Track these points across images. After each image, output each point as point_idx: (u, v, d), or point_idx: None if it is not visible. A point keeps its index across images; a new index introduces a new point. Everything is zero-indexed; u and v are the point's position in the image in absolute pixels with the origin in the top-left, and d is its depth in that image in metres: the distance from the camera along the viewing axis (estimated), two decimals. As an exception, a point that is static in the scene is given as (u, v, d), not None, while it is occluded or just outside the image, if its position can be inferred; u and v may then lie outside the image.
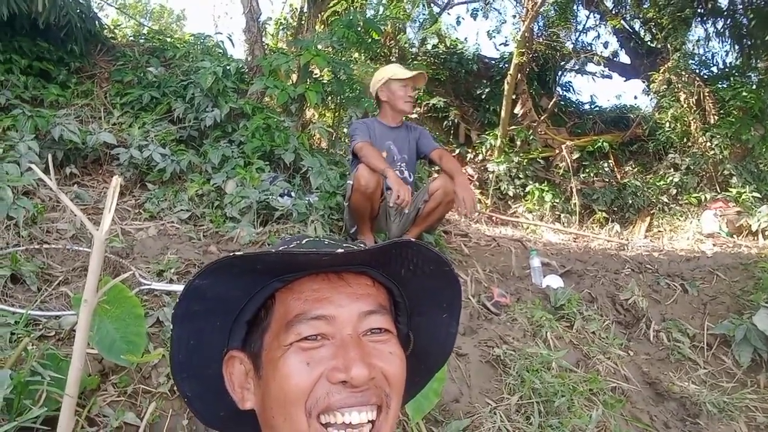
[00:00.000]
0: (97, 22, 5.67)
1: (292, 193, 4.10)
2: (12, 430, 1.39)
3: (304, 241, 0.79)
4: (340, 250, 0.70)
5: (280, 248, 0.78)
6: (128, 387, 1.86)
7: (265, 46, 6.29)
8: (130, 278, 2.58)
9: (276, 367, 0.70)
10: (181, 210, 3.97)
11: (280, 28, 8.29)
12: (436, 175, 5.47)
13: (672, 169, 8.09)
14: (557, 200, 7.80)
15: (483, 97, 9.77)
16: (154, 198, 4.09)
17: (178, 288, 2.56)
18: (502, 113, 8.24)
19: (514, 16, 10.83)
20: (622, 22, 9.52)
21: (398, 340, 0.78)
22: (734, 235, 6.32)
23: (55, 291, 2.44)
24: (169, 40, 6.50)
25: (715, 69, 9.44)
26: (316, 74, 5.37)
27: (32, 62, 4.92)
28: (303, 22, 6.23)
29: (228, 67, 4.94)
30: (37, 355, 1.57)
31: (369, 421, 0.69)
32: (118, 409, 1.75)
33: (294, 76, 5.40)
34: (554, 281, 3.78)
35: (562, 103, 10.30)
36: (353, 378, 0.67)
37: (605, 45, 10.85)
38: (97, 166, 4.58)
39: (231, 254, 0.68)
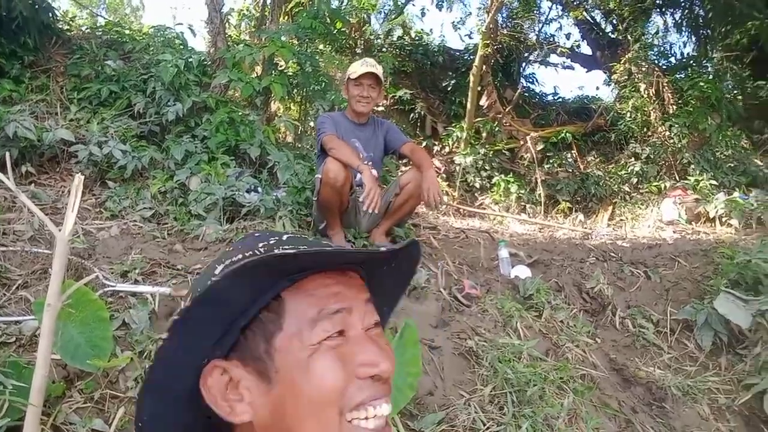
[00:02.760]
0: (50, 14, 5.47)
1: (259, 189, 4.04)
2: (-28, 443, 1.33)
3: (284, 237, 0.75)
4: (383, 249, 0.74)
5: (263, 246, 0.73)
6: (95, 393, 1.80)
7: (228, 38, 6.17)
8: (93, 280, 2.50)
9: (306, 369, 0.68)
10: (144, 208, 3.87)
11: (243, 19, 8.14)
12: (404, 168, 5.48)
13: (633, 159, 8.27)
14: (522, 191, 7.89)
15: (449, 89, 9.81)
16: (115, 196, 3.98)
17: (144, 289, 2.49)
18: (468, 105, 8.28)
19: (479, 8, 10.85)
20: (583, 13, 9.66)
21: None
22: (693, 222, 6.50)
23: (14, 295, 2.35)
24: (127, 32, 6.31)
25: (673, 59, 9.71)
26: (281, 66, 5.30)
27: (-18, 56, 4.72)
28: (266, 13, 6.11)
29: (190, 60, 4.84)
30: (-3, 363, 1.51)
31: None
32: (86, 416, 1.70)
33: (258, 69, 5.32)
34: (522, 271, 3.83)
35: (526, 94, 10.41)
36: (384, 371, 0.69)
37: (567, 36, 11.03)
38: (54, 164, 4.43)
39: (255, 255, 0.66)
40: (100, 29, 6.41)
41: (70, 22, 6.79)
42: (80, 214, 3.75)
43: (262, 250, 0.71)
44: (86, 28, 6.77)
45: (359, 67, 3.73)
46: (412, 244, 0.76)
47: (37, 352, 1.90)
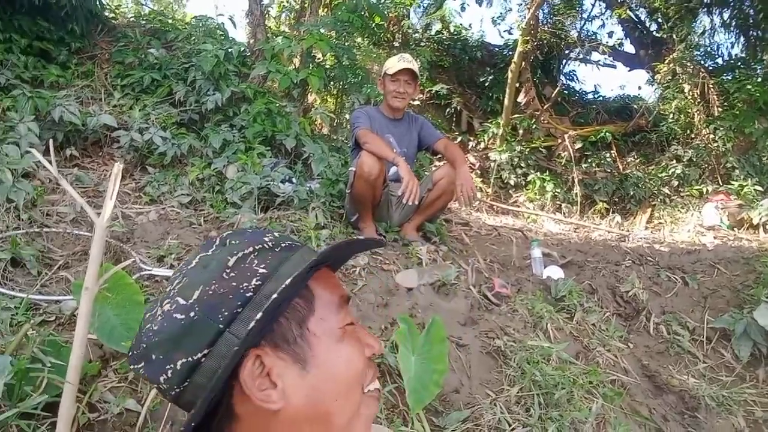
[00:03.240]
0: (97, 2, 5.60)
1: (294, 180, 4.08)
2: (13, 416, 1.38)
3: (276, 234, 0.78)
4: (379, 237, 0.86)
5: (269, 241, 0.75)
6: (129, 373, 1.85)
7: (268, 30, 6.23)
8: (130, 264, 2.57)
9: (339, 352, 0.73)
10: (182, 194, 3.95)
11: (283, 11, 8.20)
12: (438, 163, 5.46)
13: (674, 161, 8.06)
14: (558, 190, 7.79)
15: (486, 84, 9.70)
16: (154, 182, 4.07)
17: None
18: (505, 101, 8.18)
19: (520, 4, 10.68)
20: (627, 11, 9.41)
21: None
22: (735, 228, 6.31)
23: (56, 275, 2.43)
24: (170, 21, 6.43)
25: (720, 60, 9.37)
26: (318, 59, 5.32)
27: (32, 42, 4.87)
28: (306, 5, 6.15)
29: (230, 50, 4.90)
30: (37, 341, 1.56)
31: None
32: (119, 395, 1.75)
33: (296, 61, 5.35)
34: (555, 272, 3.77)
35: (566, 92, 10.23)
36: (380, 351, 0.81)
37: (610, 34, 10.75)
38: (97, 149, 4.55)
39: (351, 238, 0.79)
40: (144, 18, 6.55)
41: (116, 11, 6.96)
42: (120, 198, 3.85)
43: (270, 243, 0.74)
44: (131, 17, 6.93)
45: (396, 62, 3.72)
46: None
47: (74, 331, 1.97)
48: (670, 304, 3.70)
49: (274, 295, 0.67)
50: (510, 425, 2.07)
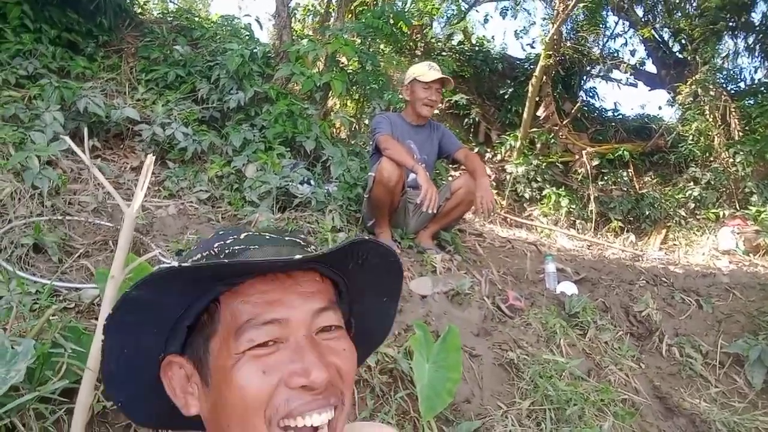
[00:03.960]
0: (127, -4, 5.69)
1: (312, 182, 4.10)
2: (32, 399, 1.40)
3: (242, 236, 0.75)
4: (298, 257, 0.67)
5: (217, 246, 0.74)
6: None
7: (293, 32, 6.28)
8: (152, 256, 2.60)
9: (229, 377, 0.67)
10: (201, 190, 3.98)
11: (308, 14, 8.27)
12: (454, 173, 5.46)
13: (692, 183, 8.01)
14: (573, 206, 7.76)
15: (506, 97, 9.72)
16: (174, 177, 4.10)
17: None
18: (524, 114, 8.18)
19: (544, 18, 10.69)
20: (651, 31, 9.39)
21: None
22: (751, 254, 6.24)
23: (76, 263, 2.45)
24: (196, 19, 6.50)
25: (742, 84, 9.35)
26: (342, 63, 5.35)
27: (61, 33, 4.94)
28: (331, 10, 6.20)
29: (255, 51, 4.94)
30: (59, 326, 1.58)
31: (328, 421, 0.69)
32: (134, 385, 1.76)
33: (320, 64, 5.39)
34: (568, 288, 3.75)
35: (585, 108, 10.21)
36: (314, 382, 0.66)
37: (632, 53, 10.78)
38: (118, 141, 4.59)
39: (172, 266, 0.66)
40: (171, 15, 6.63)
41: (144, 6, 7.05)
42: (139, 191, 3.89)
43: (216, 250, 0.72)
44: (158, 13, 7.02)
45: (427, 70, 3.72)
46: (348, 246, 0.72)
47: (94, 319, 1.99)
48: (684, 326, 3.66)
49: (104, 321, 0.69)
50: (520, 438, 2.06)
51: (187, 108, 4.78)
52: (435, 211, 3.39)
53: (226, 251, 0.72)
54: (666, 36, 10.22)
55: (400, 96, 4.09)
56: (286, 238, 0.77)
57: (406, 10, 6.22)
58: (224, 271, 0.68)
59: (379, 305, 0.89)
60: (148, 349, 0.74)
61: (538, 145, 8.43)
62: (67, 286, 2.13)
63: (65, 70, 4.79)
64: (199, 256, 0.73)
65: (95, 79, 4.87)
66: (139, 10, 6.44)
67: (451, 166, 4.91)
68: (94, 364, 1.41)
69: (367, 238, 0.76)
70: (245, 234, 0.76)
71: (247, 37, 5.59)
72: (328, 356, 0.70)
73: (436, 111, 8.63)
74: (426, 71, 3.72)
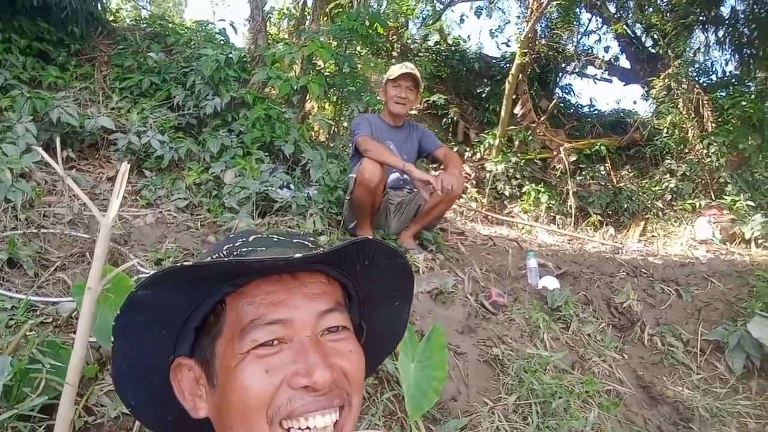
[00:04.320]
0: (98, 4, 5.60)
1: (292, 186, 4.08)
2: (10, 418, 1.37)
3: (251, 239, 0.76)
4: (298, 255, 0.67)
5: (226, 249, 0.74)
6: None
7: (268, 36, 6.25)
8: (129, 266, 2.56)
9: (233, 377, 0.68)
10: (179, 198, 3.93)
11: (283, 18, 8.23)
12: (434, 173, 5.47)
13: (668, 175, 8.14)
14: (553, 202, 7.83)
15: (483, 96, 9.77)
16: (151, 185, 4.06)
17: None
18: (502, 113, 8.24)
19: (518, 17, 10.78)
20: (624, 27, 9.52)
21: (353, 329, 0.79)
22: (727, 243, 6.36)
23: (53, 277, 2.41)
24: (170, 25, 6.43)
25: (714, 77, 9.50)
26: (318, 66, 5.34)
27: (32, 42, 4.85)
28: (306, 13, 6.18)
29: (230, 56, 4.90)
30: (36, 342, 1.55)
31: (333, 423, 0.69)
32: (116, 399, 1.73)
33: (297, 67, 5.37)
34: (550, 282, 3.79)
35: (562, 105, 10.32)
36: (316, 383, 0.66)
37: (606, 49, 10.89)
38: (93, 151, 4.53)
39: (177, 264, 0.65)
40: (144, 21, 6.55)
41: (116, 14, 6.96)
42: (117, 201, 3.83)
43: (225, 253, 0.73)
44: (131, 20, 6.93)
45: (398, 68, 3.75)
46: (350, 245, 0.72)
47: (72, 333, 1.95)
48: (665, 315, 3.72)
49: (113, 322, 0.69)
50: (507, 434, 2.07)
51: (162, 115, 4.73)
52: (454, 189, 3.32)
53: (234, 253, 0.73)
54: (639, 31, 10.37)
55: (378, 98, 4.10)
56: (294, 240, 0.77)
57: (381, 11, 6.22)
58: (228, 271, 0.68)
59: (390, 308, 0.88)
60: (158, 350, 0.74)
61: (517, 143, 8.50)
62: (43, 300, 2.09)
63: (37, 80, 4.71)
64: (209, 259, 0.72)
65: (68, 89, 4.79)
66: (111, 18, 6.36)
67: (432, 165, 4.90)
68: (72, 379, 1.39)
69: (370, 237, 0.75)
70: (254, 236, 0.76)
71: (222, 42, 5.55)
72: (333, 357, 0.70)
73: (414, 111, 8.69)
74: (396, 70, 3.75)
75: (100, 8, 5.66)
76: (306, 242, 0.79)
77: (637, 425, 2.58)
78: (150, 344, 0.73)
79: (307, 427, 0.67)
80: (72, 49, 5.23)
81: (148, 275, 0.67)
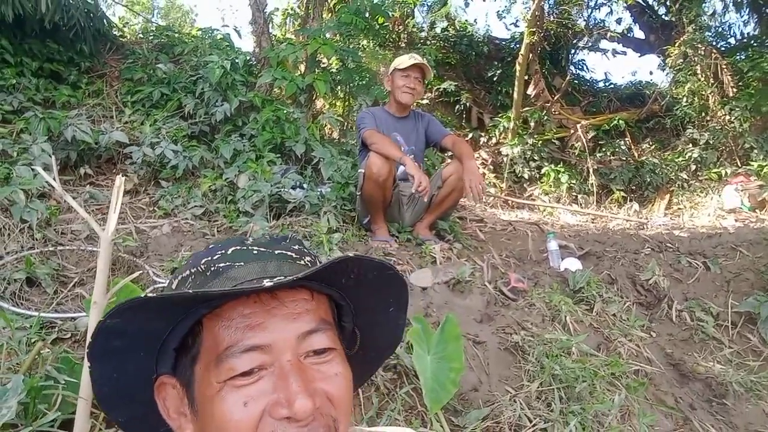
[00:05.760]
0: (105, 21, 5.67)
1: (304, 185, 4.08)
2: (29, 434, 1.39)
3: (230, 251, 0.72)
4: (268, 283, 0.63)
5: (204, 263, 0.71)
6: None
7: (273, 37, 6.25)
8: (144, 277, 2.59)
9: (212, 408, 0.65)
10: (195, 206, 3.97)
11: (288, 17, 8.23)
12: (449, 160, 5.43)
13: (690, 145, 7.94)
14: (574, 181, 7.71)
15: (495, 79, 9.66)
16: (168, 195, 4.10)
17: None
18: (515, 95, 8.13)
19: (524, -5, 10.60)
20: (635, -5, 9.31)
21: (344, 338, 0.76)
22: (757, 210, 6.19)
23: (71, 292, 2.45)
24: (176, 35, 6.49)
25: (732, 40, 9.26)
26: (324, 63, 5.33)
27: (43, 64, 4.94)
28: (310, 11, 6.16)
29: (236, 60, 4.92)
30: (50, 359, 1.57)
31: None
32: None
33: (302, 67, 5.36)
34: (572, 264, 3.72)
35: (576, 81, 10.15)
36: (297, 413, 0.62)
37: (618, 21, 10.65)
38: (111, 166, 4.60)
39: (144, 295, 0.65)
40: (151, 33, 6.62)
41: (124, 28, 7.04)
42: (134, 213, 3.89)
43: (203, 267, 0.70)
44: (139, 33, 7.01)
45: (406, 59, 3.73)
46: (325, 267, 0.67)
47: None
48: (693, 290, 3.63)
49: (86, 348, 0.67)
50: (531, 421, 2.04)
51: (175, 125, 4.78)
52: (428, 199, 3.36)
53: (212, 268, 0.69)
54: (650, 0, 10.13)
55: (385, 90, 4.07)
56: (276, 252, 0.73)
57: (384, 2, 6.16)
58: (195, 299, 0.65)
59: (386, 315, 0.85)
60: (140, 370, 0.72)
61: (532, 124, 8.38)
62: (58, 316, 2.12)
63: (50, 100, 4.80)
64: (187, 272, 0.71)
65: (81, 107, 4.87)
66: (119, 33, 6.43)
67: (442, 154, 4.86)
68: (86, 393, 1.40)
69: (351, 255, 0.71)
70: (233, 249, 0.72)
71: (227, 48, 5.57)
72: (317, 382, 0.66)
73: (425, 101, 8.63)
74: (405, 60, 3.72)
75: (106, 24, 5.73)
76: (289, 252, 0.74)
77: (668, 405, 2.52)
78: (131, 366, 0.71)
79: None
80: (83, 67, 5.31)
81: (119, 303, 0.64)
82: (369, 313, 0.81)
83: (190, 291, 0.66)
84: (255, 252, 0.72)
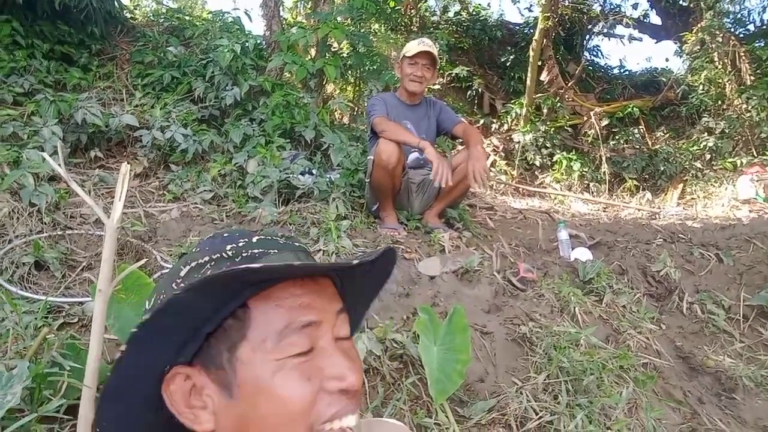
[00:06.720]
0: (116, 3, 5.64)
1: (314, 171, 4.06)
2: (33, 420, 1.39)
3: (254, 239, 0.72)
4: (355, 262, 0.70)
5: (231, 249, 0.70)
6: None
7: (283, 21, 6.20)
8: (152, 262, 2.59)
9: (271, 387, 0.64)
10: (204, 191, 3.96)
11: (299, 1, 8.16)
12: (460, 148, 5.38)
13: (706, 134, 7.81)
14: (586, 169, 7.63)
15: (507, 64, 9.54)
16: (177, 179, 4.10)
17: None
18: (528, 81, 8.02)
19: (539, -21, 10.42)
20: (652, -20, 9.12)
21: None
22: (772, 201, 6.09)
23: (79, 277, 2.46)
24: (187, 18, 6.45)
25: (751, 27, 9.05)
26: (334, 48, 5.27)
27: (54, 46, 4.92)
28: (321, -6, 6.09)
29: (246, 44, 4.88)
30: (56, 345, 1.58)
31: None
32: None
33: (313, 51, 5.31)
34: (583, 254, 3.69)
35: (590, 68, 10.00)
36: (352, 385, 0.66)
37: (635, 6, 10.43)
38: (121, 149, 4.60)
39: (246, 267, 0.62)
40: (162, 16, 6.58)
41: (135, 10, 7.01)
42: (144, 197, 3.89)
43: (229, 253, 0.69)
44: (150, 16, 6.97)
45: (415, 45, 3.66)
46: (386, 253, 0.74)
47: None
48: (704, 282, 3.58)
49: (133, 328, 0.63)
50: (537, 413, 2.02)
51: (185, 109, 4.76)
52: (451, 184, 3.28)
53: (244, 254, 0.69)
54: (668, -16, 9.92)
55: (396, 76, 4.02)
56: (296, 244, 0.76)
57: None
58: (258, 274, 0.65)
59: (361, 308, 0.88)
60: (160, 361, 0.69)
61: (545, 111, 8.27)
62: (65, 301, 2.13)
63: (61, 83, 4.79)
64: (205, 259, 0.69)
65: (91, 89, 4.86)
66: (130, 16, 6.40)
67: (453, 141, 4.81)
68: (90, 380, 1.40)
69: (394, 249, 0.77)
70: (257, 238, 0.73)
71: (237, 31, 5.52)
72: (356, 360, 0.71)
73: (437, 86, 8.55)
74: (413, 47, 3.65)
75: (117, 6, 5.70)
76: (299, 244, 0.76)
77: (676, 398, 2.50)
78: (159, 352, 0.69)
79: (341, 428, 0.66)
80: (93, 50, 5.29)
81: (199, 278, 0.63)
82: (354, 303, 0.83)
83: (297, 264, 0.67)
84: (281, 242, 0.74)
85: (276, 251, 0.71)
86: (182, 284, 0.67)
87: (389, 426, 0.94)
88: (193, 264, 0.69)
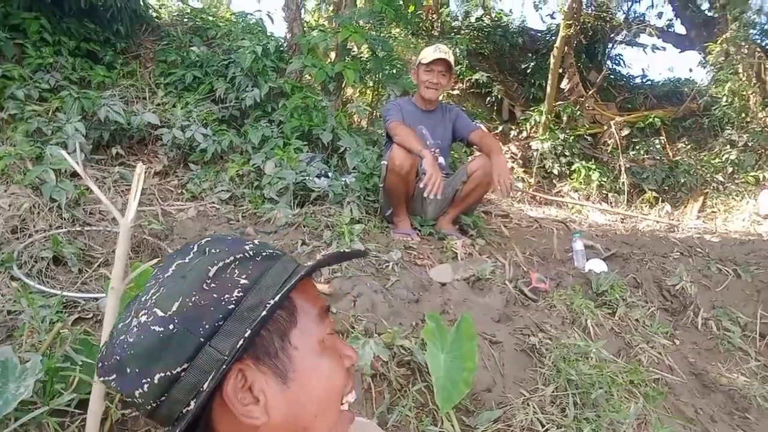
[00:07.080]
0: (141, 1, 5.73)
1: (329, 174, 4.08)
2: (44, 413, 1.42)
3: (256, 242, 0.76)
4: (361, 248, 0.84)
5: (250, 250, 0.73)
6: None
7: (305, 24, 6.24)
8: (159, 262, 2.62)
9: (319, 367, 0.72)
10: (222, 190, 4.01)
11: (321, 4, 8.21)
12: (476, 153, 5.37)
13: (728, 146, 7.70)
14: (605, 179, 7.57)
15: (528, 71, 9.50)
16: (196, 178, 4.15)
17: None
18: (548, 88, 7.99)
19: (563, -14, 10.37)
20: (678, -10, 9.03)
21: None
22: (794, 217, 5.99)
23: (95, 272, 2.50)
24: (211, 18, 6.52)
25: (778, 39, 8.88)
26: (354, 52, 5.30)
27: (80, 43, 5.01)
28: (343, -3, 6.13)
29: (267, 46, 4.93)
30: (70, 339, 1.61)
31: None
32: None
33: (333, 54, 5.34)
34: (597, 265, 3.66)
35: (612, 76, 9.92)
36: (357, 362, 0.79)
37: (659, 15, 10.35)
38: (142, 146, 4.66)
39: (318, 262, 0.76)
40: (186, 16, 6.66)
41: (159, 9, 7.11)
42: (163, 196, 3.95)
43: (251, 252, 0.72)
44: (174, 15, 7.06)
45: (431, 52, 3.66)
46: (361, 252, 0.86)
47: (111, 328, 2.02)
48: (721, 298, 3.53)
49: (263, 312, 0.66)
50: (543, 426, 2.01)
51: (205, 109, 4.82)
52: (439, 197, 3.30)
53: (263, 254, 0.74)
54: (694, -6, 9.80)
55: (413, 80, 4.03)
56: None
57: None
58: (322, 266, 0.80)
59: None
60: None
61: (565, 119, 8.22)
62: (81, 296, 2.17)
63: (86, 80, 4.87)
64: (232, 258, 0.69)
65: (115, 87, 4.93)
66: (155, 15, 6.49)
67: (469, 148, 4.80)
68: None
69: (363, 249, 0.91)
70: (257, 241, 0.78)
71: (259, 33, 5.58)
72: None
73: (456, 91, 8.54)
74: (429, 54, 3.65)
75: (143, 5, 5.79)
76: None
77: (687, 416, 2.47)
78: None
79: (347, 402, 0.75)
80: (118, 48, 5.37)
81: (246, 260, 0.71)
82: None
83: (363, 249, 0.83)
84: (255, 242, 0.79)
85: (280, 253, 0.76)
86: (213, 285, 0.67)
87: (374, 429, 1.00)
88: (219, 264, 0.69)
